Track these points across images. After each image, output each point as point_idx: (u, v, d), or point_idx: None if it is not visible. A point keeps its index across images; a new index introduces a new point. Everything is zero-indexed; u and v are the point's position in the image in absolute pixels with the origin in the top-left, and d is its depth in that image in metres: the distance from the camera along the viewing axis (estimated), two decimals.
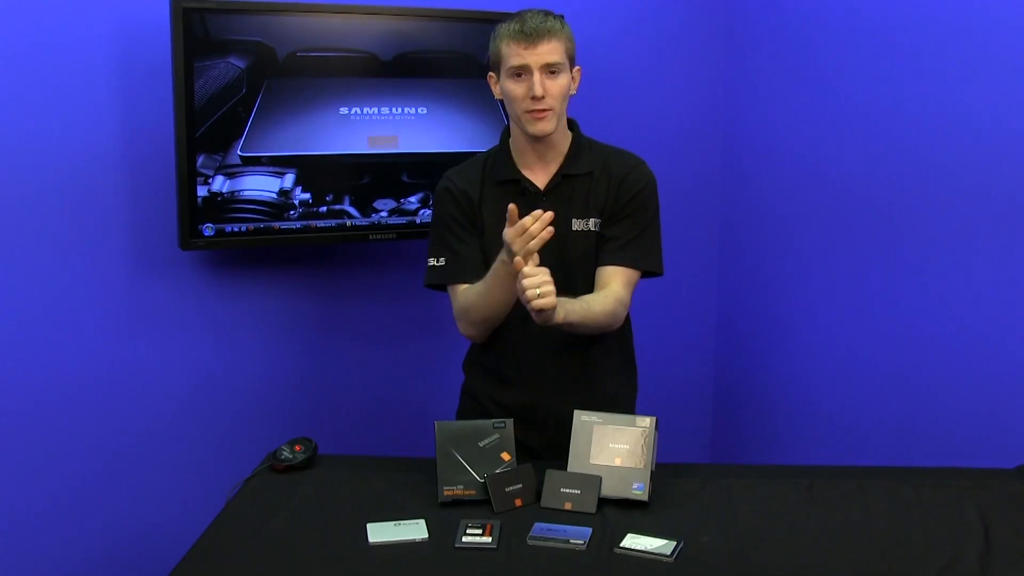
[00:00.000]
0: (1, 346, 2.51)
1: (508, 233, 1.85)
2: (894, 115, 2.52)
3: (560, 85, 2.01)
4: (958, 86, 2.32)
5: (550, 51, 1.98)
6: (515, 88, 2.01)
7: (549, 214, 1.84)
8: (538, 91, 1.97)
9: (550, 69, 1.99)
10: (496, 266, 1.96)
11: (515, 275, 1.84)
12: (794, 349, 2.97)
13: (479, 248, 2.11)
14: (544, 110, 2.00)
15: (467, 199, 2.12)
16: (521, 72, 2.00)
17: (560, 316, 1.87)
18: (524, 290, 1.81)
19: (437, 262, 2.14)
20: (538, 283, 1.81)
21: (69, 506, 2.63)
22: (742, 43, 3.13)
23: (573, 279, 2.10)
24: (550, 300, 1.81)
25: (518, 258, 1.83)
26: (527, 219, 1.83)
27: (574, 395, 2.11)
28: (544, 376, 2.14)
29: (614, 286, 2.07)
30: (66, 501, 2.62)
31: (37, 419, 2.57)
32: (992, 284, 2.27)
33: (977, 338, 2.32)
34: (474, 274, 2.07)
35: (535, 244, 1.84)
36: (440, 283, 2.15)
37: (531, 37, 1.97)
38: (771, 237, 3.05)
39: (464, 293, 2.10)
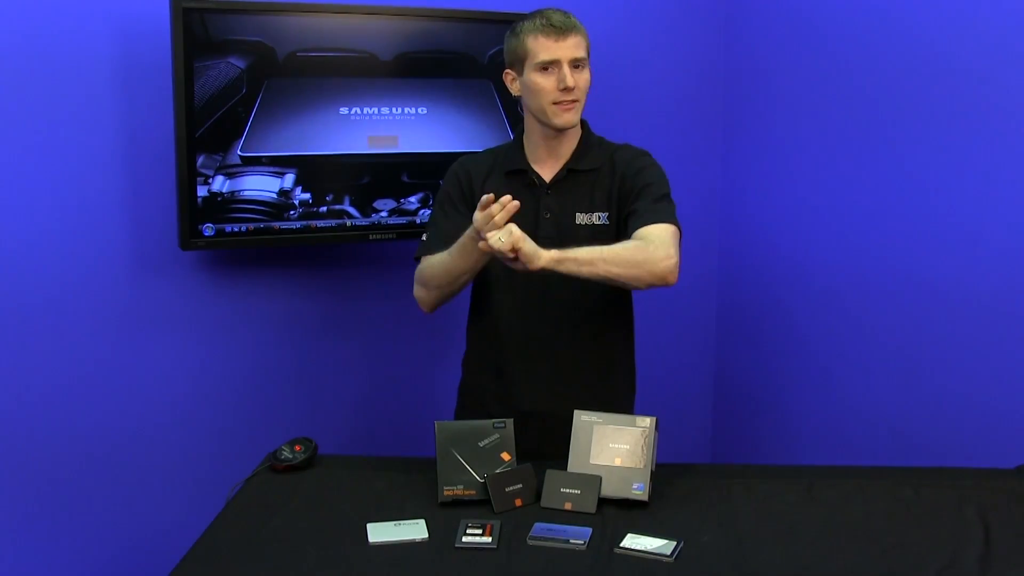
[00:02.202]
0: (1, 346, 2.51)
1: (478, 219, 1.87)
2: (897, 115, 2.52)
3: (585, 79, 2.08)
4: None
5: (576, 45, 2.04)
6: (543, 81, 2.04)
7: (515, 204, 1.85)
8: (570, 82, 2.02)
9: (576, 63, 2.04)
10: (463, 240, 1.99)
11: (482, 251, 1.88)
12: (794, 349, 2.97)
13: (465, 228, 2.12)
14: (572, 101, 2.05)
15: (469, 181, 2.17)
16: (550, 66, 2.03)
17: (549, 257, 1.87)
18: (489, 241, 1.83)
19: (424, 238, 2.19)
20: (500, 234, 1.82)
21: (69, 506, 2.62)
22: (741, 39, 3.13)
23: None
24: (509, 240, 1.82)
25: (482, 242, 1.85)
26: (495, 207, 1.85)
27: (573, 393, 2.12)
28: (543, 374, 2.14)
29: (652, 234, 2.01)
30: (66, 501, 2.62)
31: (37, 419, 2.56)
32: (992, 284, 2.27)
33: (978, 338, 2.32)
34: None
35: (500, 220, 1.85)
36: (421, 256, 2.18)
37: (560, 31, 2.03)
38: (772, 236, 3.05)
39: (429, 259, 2.13)
